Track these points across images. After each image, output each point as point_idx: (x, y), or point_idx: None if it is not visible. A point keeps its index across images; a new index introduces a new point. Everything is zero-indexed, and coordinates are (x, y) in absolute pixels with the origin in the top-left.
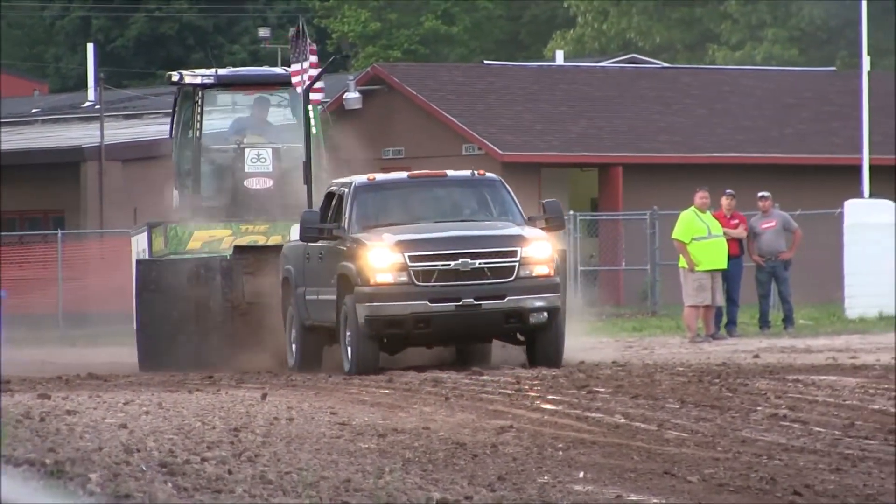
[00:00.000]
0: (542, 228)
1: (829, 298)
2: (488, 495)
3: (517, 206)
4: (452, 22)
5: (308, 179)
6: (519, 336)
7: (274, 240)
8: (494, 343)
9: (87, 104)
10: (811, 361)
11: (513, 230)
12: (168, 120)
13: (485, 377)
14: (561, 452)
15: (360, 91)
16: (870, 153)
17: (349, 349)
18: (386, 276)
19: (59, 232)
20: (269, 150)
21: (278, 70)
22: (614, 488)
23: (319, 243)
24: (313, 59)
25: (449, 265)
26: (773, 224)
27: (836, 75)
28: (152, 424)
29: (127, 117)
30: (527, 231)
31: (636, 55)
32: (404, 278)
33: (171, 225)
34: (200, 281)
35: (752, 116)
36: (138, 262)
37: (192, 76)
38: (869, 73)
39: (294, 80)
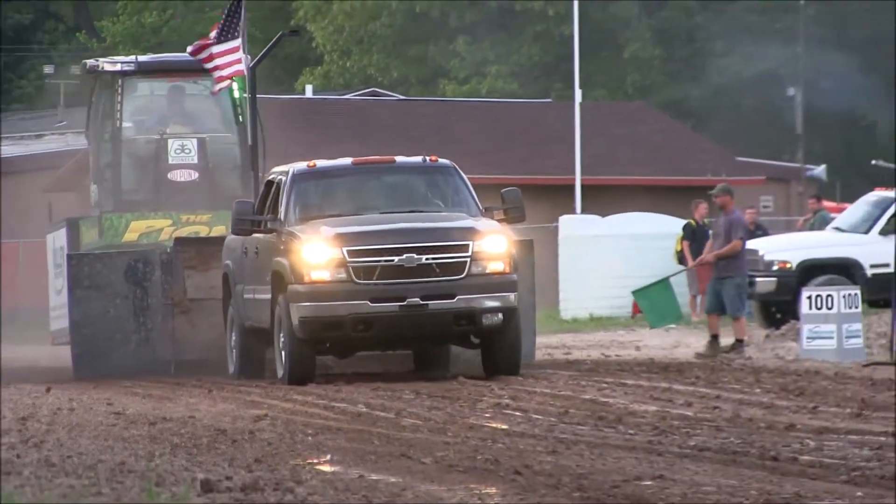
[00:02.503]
0: (500, 220)
1: (548, 303)
2: (246, 476)
3: (473, 195)
4: None
5: (255, 166)
6: (474, 339)
7: (217, 230)
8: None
9: None
10: None
11: (465, 222)
12: None
13: None
14: (310, 438)
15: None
16: (581, 174)
17: (283, 354)
18: (322, 272)
19: None
20: (194, 141)
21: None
22: (357, 469)
23: (256, 236)
24: (235, 43)
25: (392, 261)
26: None
27: (552, 105)
28: None
29: None
30: (480, 223)
31: (377, 89)
32: (343, 275)
33: (107, 215)
34: (138, 276)
35: (479, 142)
36: (70, 256)
37: (111, 63)
38: (581, 103)
39: (222, 60)
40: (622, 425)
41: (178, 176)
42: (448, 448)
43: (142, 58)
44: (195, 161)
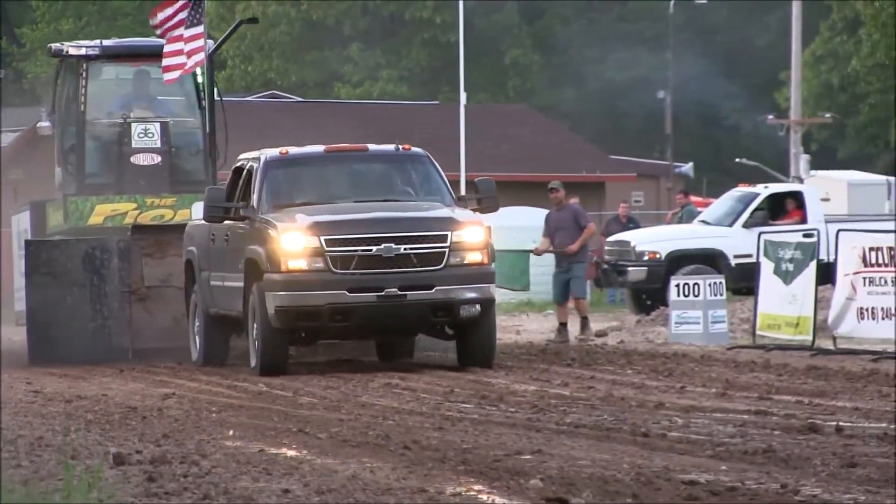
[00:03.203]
0: (473, 210)
1: None
2: (155, 450)
3: (446, 184)
4: None
5: (213, 152)
6: (448, 330)
7: (182, 214)
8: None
9: None
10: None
11: (442, 212)
12: None
13: None
14: (214, 415)
15: (50, 121)
16: (466, 171)
17: (257, 343)
18: (299, 262)
19: None
20: (157, 125)
21: (164, 41)
22: (258, 444)
23: (226, 223)
24: (198, 30)
25: (370, 251)
26: None
27: (439, 107)
28: None
29: None
30: (458, 213)
31: (276, 91)
32: (320, 265)
33: (72, 198)
34: (96, 264)
35: (372, 140)
36: (27, 242)
37: (76, 48)
38: (465, 105)
39: (187, 47)
40: (503, 403)
41: (141, 160)
42: (342, 424)
43: (106, 42)
44: (158, 145)
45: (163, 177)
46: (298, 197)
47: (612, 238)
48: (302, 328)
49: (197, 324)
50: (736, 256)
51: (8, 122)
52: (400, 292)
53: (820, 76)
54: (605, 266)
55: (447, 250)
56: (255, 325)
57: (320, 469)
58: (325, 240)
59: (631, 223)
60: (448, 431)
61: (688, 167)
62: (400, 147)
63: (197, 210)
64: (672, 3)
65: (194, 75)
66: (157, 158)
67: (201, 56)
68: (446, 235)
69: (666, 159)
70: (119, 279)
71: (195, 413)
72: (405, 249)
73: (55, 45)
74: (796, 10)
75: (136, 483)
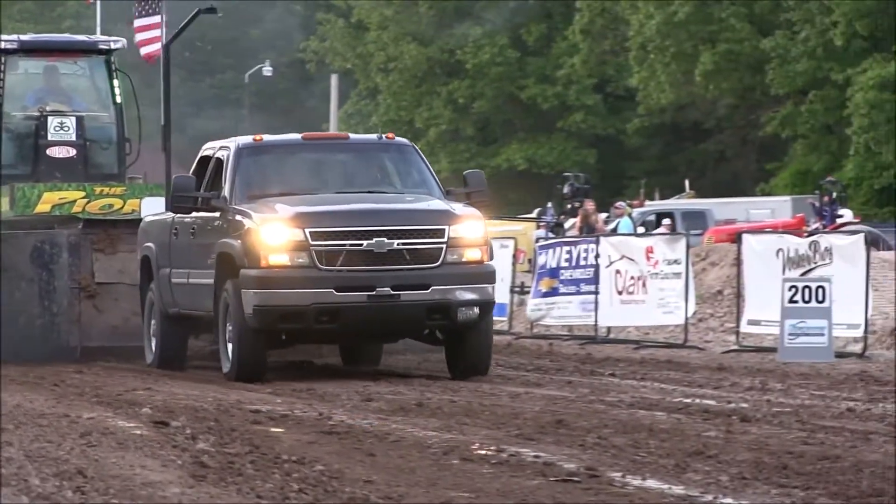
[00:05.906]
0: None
1: None
2: None
3: (434, 177)
4: None
5: (167, 143)
6: (438, 334)
7: (131, 203)
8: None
9: None
10: None
11: (438, 204)
12: None
13: None
14: None
15: None
16: None
17: (230, 346)
18: (281, 256)
19: None
20: (73, 119)
21: (81, 37)
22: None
23: (192, 216)
24: (156, 19)
25: (361, 245)
26: None
27: None
28: None
29: None
30: (455, 207)
31: None
32: (304, 260)
33: (19, 185)
34: (45, 258)
35: None
36: None
37: None
38: None
39: (140, 36)
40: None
41: (56, 152)
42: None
43: (24, 37)
44: (73, 138)
45: (77, 169)
46: (275, 187)
47: None
48: (283, 330)
49: (153, 324)
50: None
51: None
52: (393, 292)
53: (351, 128)
54: None
55: (444, 246)
56: (229, 327)
57: None
58: (310, 232)
59: None
60: (87, 375)
61: None
62: (383, 136)
63: (148, 205)
64: (247, 75)
65: (109, 70)
66: (72, 151)
67: (157, 46)
68: (443, 230)
69: None
70: (68, 275)
71: None
72: (398, 245)
73: None
74: (334, 81)
75: None
